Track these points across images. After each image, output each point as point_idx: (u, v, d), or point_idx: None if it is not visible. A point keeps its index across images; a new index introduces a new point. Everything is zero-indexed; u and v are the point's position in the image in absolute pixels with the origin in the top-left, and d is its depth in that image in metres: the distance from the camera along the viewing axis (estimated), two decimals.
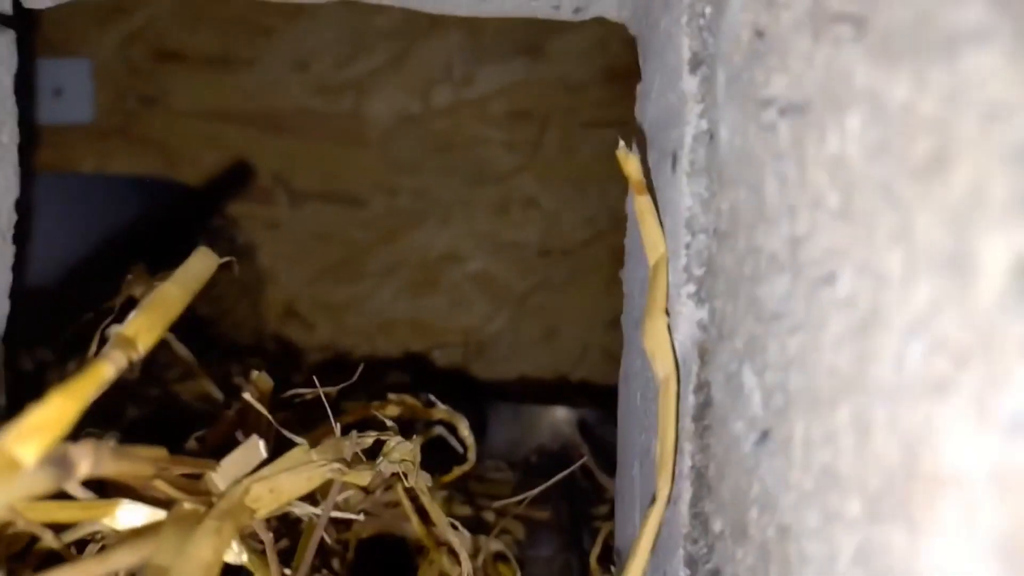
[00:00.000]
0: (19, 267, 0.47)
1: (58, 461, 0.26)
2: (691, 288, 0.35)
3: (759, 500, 0.28)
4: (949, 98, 0.18)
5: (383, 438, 0.38)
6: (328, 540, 0.40)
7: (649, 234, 0.37)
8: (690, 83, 0.35)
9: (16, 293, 0.47)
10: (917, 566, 0.20)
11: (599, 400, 0.75)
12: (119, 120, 0.81)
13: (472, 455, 0.48)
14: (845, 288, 0.23)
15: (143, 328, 0.28)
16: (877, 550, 0.21)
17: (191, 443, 0.46)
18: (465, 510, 0.55)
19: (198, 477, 0.34)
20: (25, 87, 0.48)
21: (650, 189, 0.39)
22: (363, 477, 0.37)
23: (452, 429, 0.48)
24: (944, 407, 0.19)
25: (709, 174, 0.33)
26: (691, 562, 0.34)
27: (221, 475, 0.33)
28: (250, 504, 0.32)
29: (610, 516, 0.53)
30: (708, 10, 0.33)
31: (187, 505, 0.31)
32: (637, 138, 0.43)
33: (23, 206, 0.48)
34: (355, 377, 0.56)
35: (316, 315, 0.87)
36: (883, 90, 0.20)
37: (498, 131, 0.86)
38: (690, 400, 0.35)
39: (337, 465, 0.34)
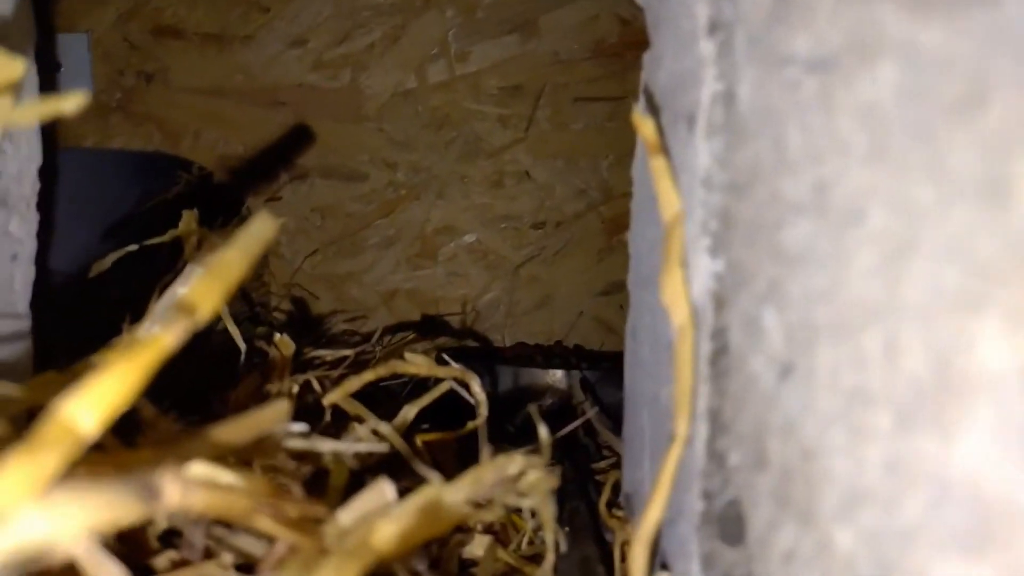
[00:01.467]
0: (44, 234, 0.48)
1: (144, 489, 0.24)
2: (707, 242, 0.36)
3: (780, 429, 0.30)
4: (985, 42, 0.20)
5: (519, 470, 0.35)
6: None
7: (665, 193, 0.39)
8: (707, 47, 0.35)
9: (42, 259, 0.48)
10: (948, 470, 0.21)
11: (592, 363, 0.78)
12: (119, 96, 0.81)
13: (484, 411, 0.49)
14: (875, 223, 0.24)
15: (204, 294, 0.27)
16: (907, 459, 0.23)
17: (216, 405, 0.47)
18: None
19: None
20: (44, 58, 0.49)
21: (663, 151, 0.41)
22: (493, 514, 0.36)
23: (465, 387, 0.50)
24: (978, 321, 0.20)
25: (726, 132, 0.34)
26: (707, 495, 0.36)
27: (345, 517, 0.31)
28: (375, 544, 0.29)
29: (612, 469, 0.55)
30: None
31: (301, 543, 0.29)
32: (648, 103, 0.45)
33: (46, 175, 0.49)
34: (373, 340, 0.59)
35: (319, 287, 0.89)
36: (916, 38, 0.22)
37: (492, 106, 0.87)
38: (706, 346, 0.36)
39: (471, 505, 0.31)
